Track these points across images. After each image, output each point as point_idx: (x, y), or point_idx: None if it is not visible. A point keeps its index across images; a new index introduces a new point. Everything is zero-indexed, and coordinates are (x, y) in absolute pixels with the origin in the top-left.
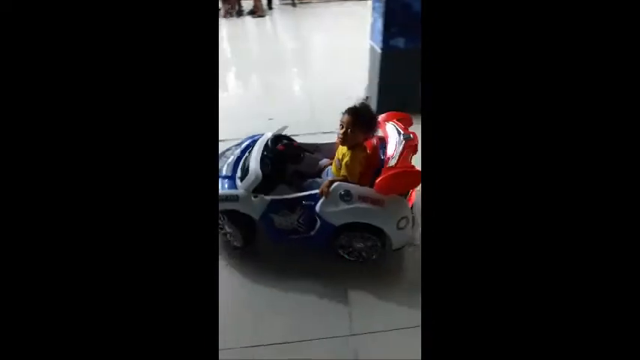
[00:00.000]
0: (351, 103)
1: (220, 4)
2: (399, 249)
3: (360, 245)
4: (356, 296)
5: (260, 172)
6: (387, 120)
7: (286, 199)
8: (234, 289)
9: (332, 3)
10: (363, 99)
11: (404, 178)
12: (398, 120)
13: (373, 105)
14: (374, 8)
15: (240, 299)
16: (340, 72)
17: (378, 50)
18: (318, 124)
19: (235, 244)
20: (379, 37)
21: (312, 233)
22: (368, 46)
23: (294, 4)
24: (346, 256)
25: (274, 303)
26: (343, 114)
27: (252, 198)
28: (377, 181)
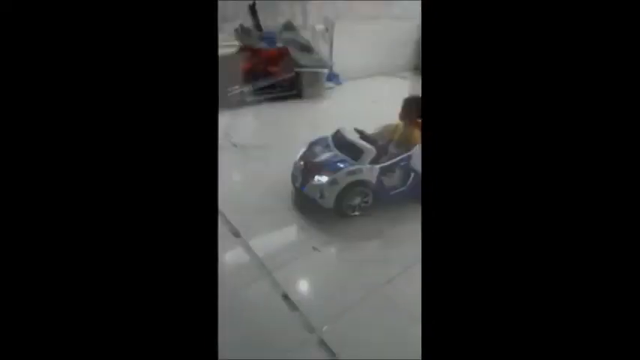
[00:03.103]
0: None
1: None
2: None
3: None
4: None
5: (372, 147)
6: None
7: (390, 163)
8: None
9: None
10: None
11: None
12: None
13: None
14: None
15: None
16: None
17: None
18: None
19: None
20: None
21: (405, 188)
22: None
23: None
24: None
25: None
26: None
27: (371, 166)
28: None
